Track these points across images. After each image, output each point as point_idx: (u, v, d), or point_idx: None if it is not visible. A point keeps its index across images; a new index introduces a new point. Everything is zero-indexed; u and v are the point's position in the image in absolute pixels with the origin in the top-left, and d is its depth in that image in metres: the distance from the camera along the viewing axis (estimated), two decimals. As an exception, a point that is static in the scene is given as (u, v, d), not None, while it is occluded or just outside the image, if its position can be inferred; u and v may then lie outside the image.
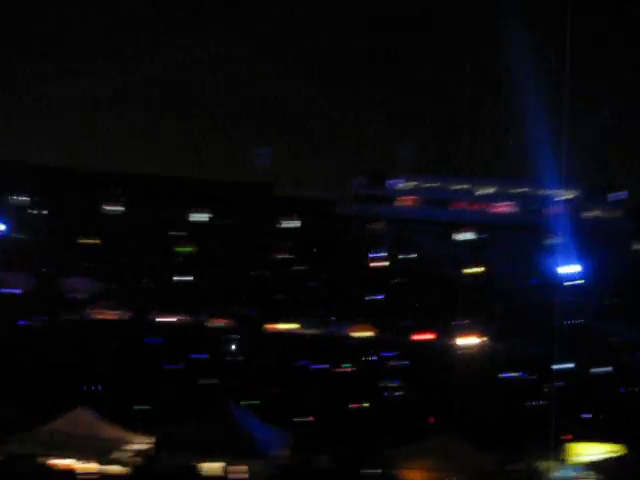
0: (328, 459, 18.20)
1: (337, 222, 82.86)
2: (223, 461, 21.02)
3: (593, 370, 43.42)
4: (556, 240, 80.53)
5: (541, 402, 30.68)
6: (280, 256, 75.37)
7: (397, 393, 32.57)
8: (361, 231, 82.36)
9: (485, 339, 57.66)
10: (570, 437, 23.61)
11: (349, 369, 38.41)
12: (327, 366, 38.03)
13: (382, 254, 77.01)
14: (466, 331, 58.33)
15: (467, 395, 31.08)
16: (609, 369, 43.33)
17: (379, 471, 16.25)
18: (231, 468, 20.94)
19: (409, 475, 17.56)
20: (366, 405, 28.94)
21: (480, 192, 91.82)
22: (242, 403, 26.28)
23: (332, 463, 17.10)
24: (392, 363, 40.57)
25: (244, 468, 20.67)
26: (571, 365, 43.26)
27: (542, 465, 21.25)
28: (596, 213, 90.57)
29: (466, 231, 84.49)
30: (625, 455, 20.10)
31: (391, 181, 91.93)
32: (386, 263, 75.82)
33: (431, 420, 26.70)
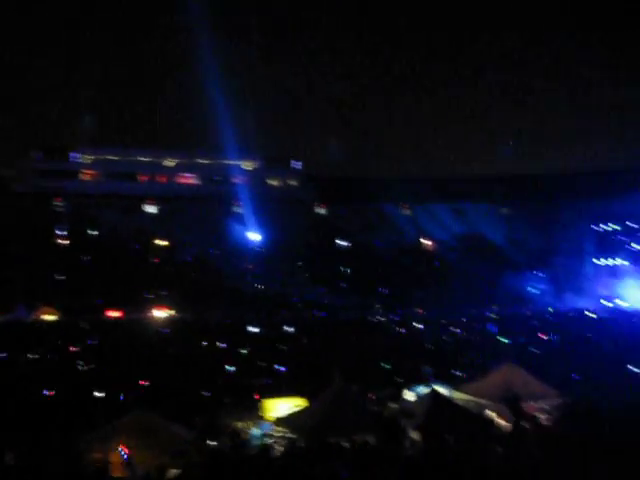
0: (12, 456, 16.43)
1: (15, 199, 77.37)
2: None
3: (283, 330, 45.30)
4: (240, 209, 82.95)
5: (236, 367, 31.07)
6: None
7: (88, 374, 30.81)
8: (42, 208, 77.66)
9: (176, 310, 57.69)
10: (264, 395, 24.21)
11: (34, 356, 35.58)
12: (5, 355, 34.79)
13: (64, 231, 73.51)
14: (157, 304, 57.92)
15: (161, 368, 30.53)
16: (292, 328, 45.44)
17: (66, 458, 15.02)
18: None
19: (106, 457, 16.55)
20: (52, 392, 26.92)
21: (164, 164, 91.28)
22: None
23: (16, 459, 15.42)
24: (81, 344, 38.44)
25: None
26: (258, 329, 44.88)
27: (239, 425, 21.62)
28: (277, 182, 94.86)
29: (152, 204, 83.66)
30: (306, 407, 21.11)
31: (72, 154, 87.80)
32: (68, 241, 72.54)
33: (125, 397, 25.68)
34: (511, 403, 19.24)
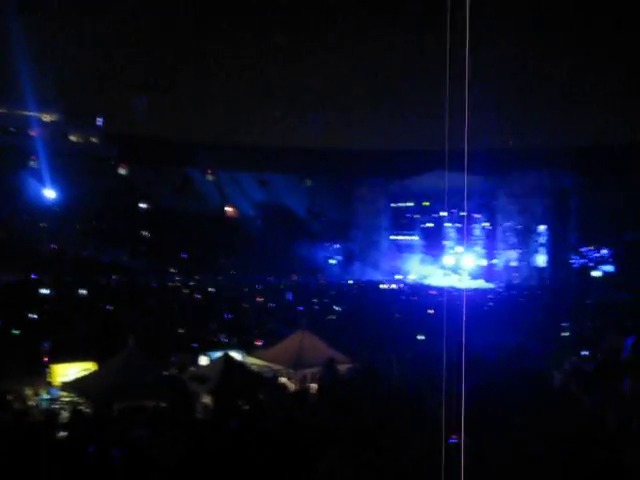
0: None
1: None
2: None
3: (77, 292, 43.71)
4: (37, 164, 78.47)
5: (24, 330, 29.48)
6: None
7: None
8: None
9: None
10: (53, 360, 23.24)
11: None
12: None
13: None
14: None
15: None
16: (87, 291, 44.03)
17: None
18: None
19: None
20: None
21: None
22: None
23: None
24: None
25: None
26: (50, 291, 42.90)
27: (27, 390, 20.63)
28: (77, 138, 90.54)
29: None
30: (94, 371, 20.58)
31: None
32: None
33: None
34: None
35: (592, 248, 73.29)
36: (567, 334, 31.50)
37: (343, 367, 21.48)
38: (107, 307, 38.08)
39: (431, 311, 37.39)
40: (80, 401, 17.86)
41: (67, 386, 19.82)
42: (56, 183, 74.90)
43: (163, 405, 15.33)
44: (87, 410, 16.05)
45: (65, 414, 16.74)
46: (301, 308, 40.60)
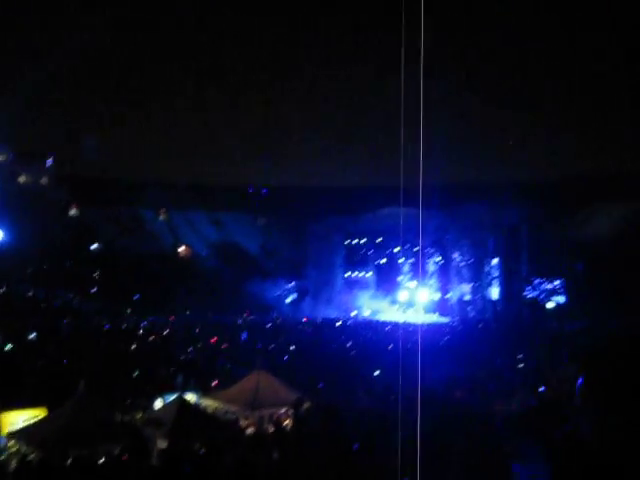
0: None
1: None
2: None
3: (26, 336, 42.61)
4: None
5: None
6: None
7: None
8: None
9: None
10: (2, 407, 22.51)
11: None
12: None
13: None
14: None
15: None
16: (37, 335, 43.00)
17: None
18: None
19: None
20: None
21: None
22: None
23: None
24: None
25: None
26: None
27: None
28: (27, 179, 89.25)
29: None
30: (42, 419, 20.02)
31: None
32: None
33: None
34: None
35: (544, 280, 74.33)
36: (522, 366, 31.77)
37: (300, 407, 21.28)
38: (58, 351, 37.16)
39: (389, 347, 37.41)
40: (28, 451, 17.29)
41: (12, 435, 19.19)
42: (5, 224, 73.56)
43: (116, 452, 14.93)
44: (35, 459, 15.54)
45: (13, 464, 16.20)
46: (257, 347, 40.23)
